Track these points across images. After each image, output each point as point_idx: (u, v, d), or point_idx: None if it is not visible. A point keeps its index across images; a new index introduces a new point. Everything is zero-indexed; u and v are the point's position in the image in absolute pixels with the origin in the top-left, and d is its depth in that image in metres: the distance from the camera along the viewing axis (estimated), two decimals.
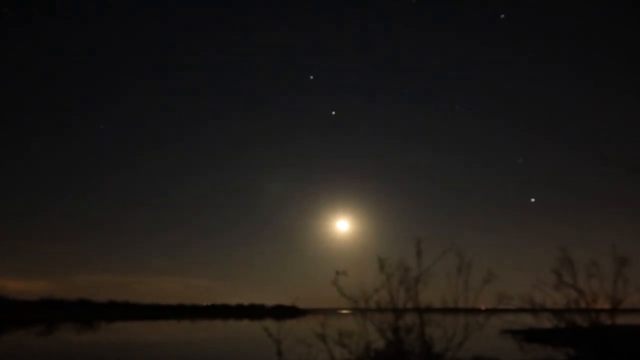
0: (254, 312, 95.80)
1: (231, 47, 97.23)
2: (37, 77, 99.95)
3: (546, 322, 9.19)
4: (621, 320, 8.74)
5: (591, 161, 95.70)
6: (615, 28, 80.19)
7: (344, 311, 7.44)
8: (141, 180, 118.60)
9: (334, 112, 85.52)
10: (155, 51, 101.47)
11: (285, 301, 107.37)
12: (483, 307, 7.17)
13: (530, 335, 10.86)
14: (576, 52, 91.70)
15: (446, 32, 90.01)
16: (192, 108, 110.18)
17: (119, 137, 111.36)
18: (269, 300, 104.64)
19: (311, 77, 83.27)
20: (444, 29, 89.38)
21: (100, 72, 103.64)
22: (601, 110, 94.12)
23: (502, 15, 67.27)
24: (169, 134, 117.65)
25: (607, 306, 8.25)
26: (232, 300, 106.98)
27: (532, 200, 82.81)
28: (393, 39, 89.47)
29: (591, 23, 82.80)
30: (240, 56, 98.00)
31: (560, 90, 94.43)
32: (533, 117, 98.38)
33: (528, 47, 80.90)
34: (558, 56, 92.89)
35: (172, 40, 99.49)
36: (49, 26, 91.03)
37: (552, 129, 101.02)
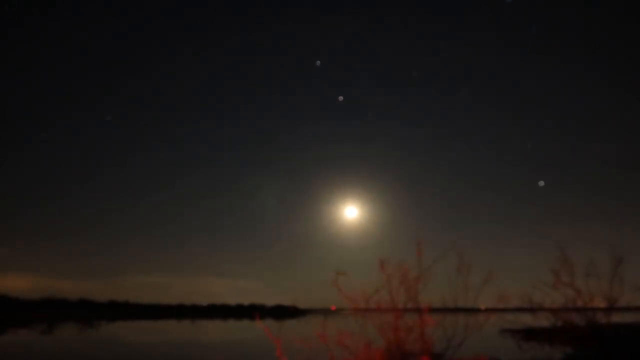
0: (254, 312, 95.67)
1: (233, 38, 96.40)
2: (37, 75, 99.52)
3: (544, 321, 9.27)
4: (617, 318, 8.82)
5: (590, 160, 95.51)
6: (623, 17, 78.62)
7: (345, 311, 7.49)
8: (138, 176, 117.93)
9: (341, 98, 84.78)
10: (154, 43, 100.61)
11: (285, 301, 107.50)
12: (483, 307, 7.23)
13: (528, 334, 10.93)
14: (584, 44, 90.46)
15: (454, 17, 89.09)
16: (197, 100, 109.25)
17: (123, 131, 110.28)
18: (269, 300, 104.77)
19: (318, 62, 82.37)
20: (452, 14, 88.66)
21: (101, 68, 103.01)
22: (603, 108, 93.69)
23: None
24: (168, 132, 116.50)
25: (603, 305, 8.33)
26: (232, 300, 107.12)
27: (541, 183, 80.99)
28: (398, 25, 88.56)
29: (599, 12, 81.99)
30: (243, 46, 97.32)
31: (561, 82, 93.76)
32: (540, 106, 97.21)
33: (536, 33, 78.90)
34: (565, 47, 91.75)
35: (173, 33, 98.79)
36: (50, 21, 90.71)
37: (553, 122, 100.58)
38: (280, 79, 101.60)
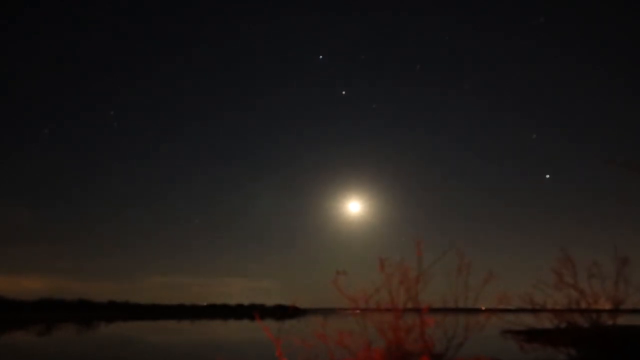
0: (254, 312, 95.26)
1: (235, 33, 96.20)
2: (38, 73, 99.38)
3: (547, 323, 9.17)
4: (622, 320, 8.72)
5: (591, 160, 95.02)
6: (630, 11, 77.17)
7: (346, 311, 7.42)
8: (140, 176, 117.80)
9: (344, 92, 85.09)
10: (153, 42, 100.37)
11: (286, 301, 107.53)
12: (483, 307, 7.15)
13: (531, 336, 10.84)
14: (591, 38, 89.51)
15: (457, 9, 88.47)
16: (201, 96, 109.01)
17: (127, 130, 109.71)
18: (269, 300, 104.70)
19: (320, 57, 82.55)
20: (455, 6, 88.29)
21: (103, 68, 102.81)
22: (606, 107, 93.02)
23: None
24: (173, 131, 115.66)
25: (608, 306, 8.23)
26: (232, 300, 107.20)
27: (547, 176, 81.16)
28: (403, 17, 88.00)
29: (606, 6, 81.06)
30: (246, 41, 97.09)
31: (561, 81, 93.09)
32: (543, 102, 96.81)
33: (542, 25, 77.46)
34: (571, 40, 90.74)
35: (172, 32, 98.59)
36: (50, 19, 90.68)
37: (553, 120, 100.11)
38: (282, 75, 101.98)
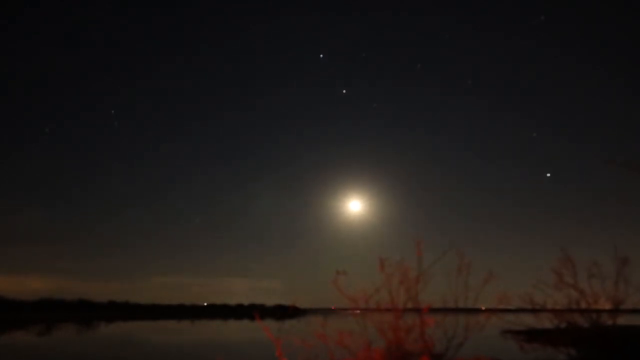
0: (254, 311, 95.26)
1: (235, 33, 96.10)
2: (40, 74, 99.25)
3: (547, 323, 9.17)
4: (622, 320, 8.72)
5: (591, 160, 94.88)
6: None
7: (346, 311, 7.42)
8: (140, 177, 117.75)
9: (344, 91, 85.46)
10: (154, 42, 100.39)
11: (286, 301, 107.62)
12: (483, 307, 7.15)
13: (531, 336, 10.84)
14: (590, 39, 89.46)
15: (457, 9, 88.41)
16: (201, 96, 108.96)
17: (128, 130, 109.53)
18: (269, 300, 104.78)
19: (321, 56, 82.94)
20: (455, 6, 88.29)
21: (108, 66, 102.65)
22: (606, 107, 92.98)
23: None
24: (175, 131, 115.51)
25: (608, 306, 8.22)
26: (232, 300, 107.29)
27: (548, 175, 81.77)
28: (403, 17, 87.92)
29: (606, 6, 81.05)
30: (246, 41, 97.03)
31: (562, 81, 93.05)
32: (544, 102, 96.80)
33: (542, 24, 77.17)
34: (571, 40, 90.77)
35: (172, 32, 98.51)
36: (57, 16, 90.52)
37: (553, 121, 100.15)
38: (282, 75, 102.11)
